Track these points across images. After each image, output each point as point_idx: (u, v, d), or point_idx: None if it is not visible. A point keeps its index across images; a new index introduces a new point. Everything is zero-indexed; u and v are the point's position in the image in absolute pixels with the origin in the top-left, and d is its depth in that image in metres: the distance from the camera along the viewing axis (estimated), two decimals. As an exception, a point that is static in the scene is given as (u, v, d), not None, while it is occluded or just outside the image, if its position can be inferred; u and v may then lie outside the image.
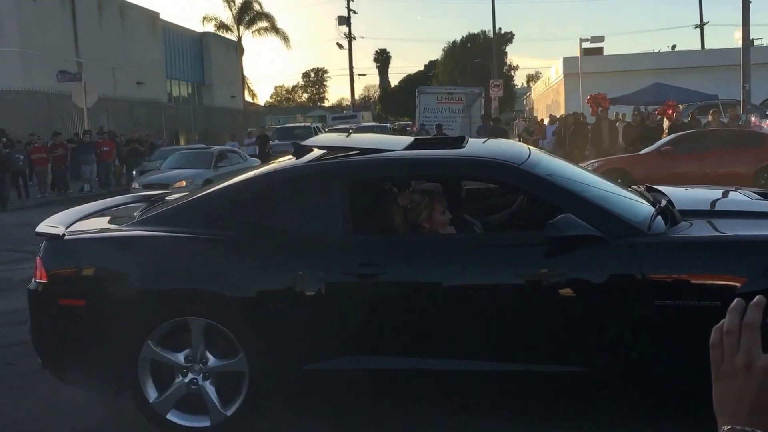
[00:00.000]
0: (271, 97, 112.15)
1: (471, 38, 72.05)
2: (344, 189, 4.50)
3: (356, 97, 74.01)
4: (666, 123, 19.80)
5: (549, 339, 4.20)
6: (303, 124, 43.18)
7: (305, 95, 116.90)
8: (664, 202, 4.71)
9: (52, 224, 4.89)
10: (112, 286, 4.54)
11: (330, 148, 5.06)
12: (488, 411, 4.68)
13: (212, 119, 46.42)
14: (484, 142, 6.00)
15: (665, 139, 15.63)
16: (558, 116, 26.18)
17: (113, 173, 26.15)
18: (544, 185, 4.43)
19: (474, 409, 4.65)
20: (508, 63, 77.63)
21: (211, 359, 4.44)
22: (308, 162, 4.81)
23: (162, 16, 45.45)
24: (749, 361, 1.05)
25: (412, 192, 4.89)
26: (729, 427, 1.04)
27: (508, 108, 63.87)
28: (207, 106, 48.75)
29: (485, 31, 68.97)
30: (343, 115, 61.28)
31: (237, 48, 56.37)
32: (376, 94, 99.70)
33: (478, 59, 59.96)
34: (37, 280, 4.67)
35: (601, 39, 32.71)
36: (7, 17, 31.42)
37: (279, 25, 56.71)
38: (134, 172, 24.63)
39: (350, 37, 63.96)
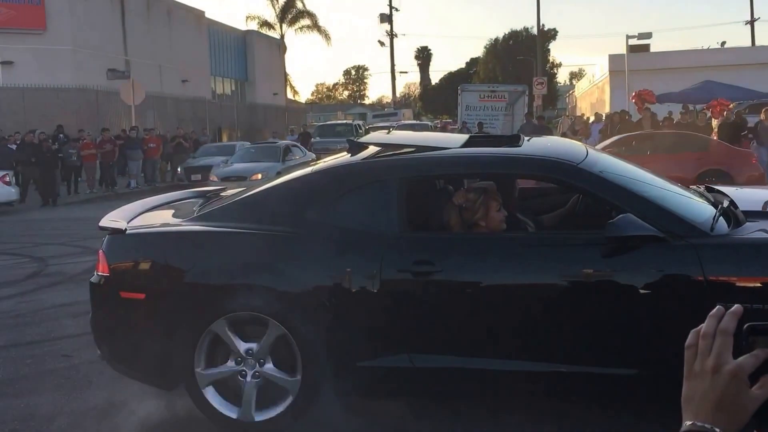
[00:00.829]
0: (312, 94, 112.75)
1: (513, 35, 71.45)
2: (401, 186, 4.51)
3: (397, 94, 73.98)
4: (715, 121, 19.49)
5: (605, 341, 4.16)
6: (344, 121, 43.28)
7: (346, 93, 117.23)
8: (726, 203, 4.64)
9: (115, 218, 4.98)
10: (174, 279, 4.62)
11: (386, 146, 5.07)
12: (539, 413, 4.65)
13: (255, 116, 46.74)
14: (539, 141, 5.95)
15: (611, 139, 15.52)
16: (603, 114, 25.90)
17: (158, 169, 26.51)
18: (604, 184, 4.39)
19: (526, 410, 4.62)
20: (550, 60, 76.98)
21: (269, 365, 4.48)
22: (365, 159, 4.82)
23: (207, 15, 45.91)
24: (718, 365, 1.15)
25: (468, 190, 4.87)
26: (691, 423, 1.13)
27: (550, 106, 63.31)
28: (250, 103, 49.11)
29: (528, 28, 68.40)
30: (384, 113, 61.26)
31: (280, 45, 56.66)
32: (417, 92, 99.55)
33: (520, 57, 59.49)
34: (99, 273, 4.77)
35: (648, 36, 32.25)
36: (61, 16, 32.02)
37: (321, 23, 57.00)
38: (179, 169, 25.02)
39: (392, 35, 64.00)
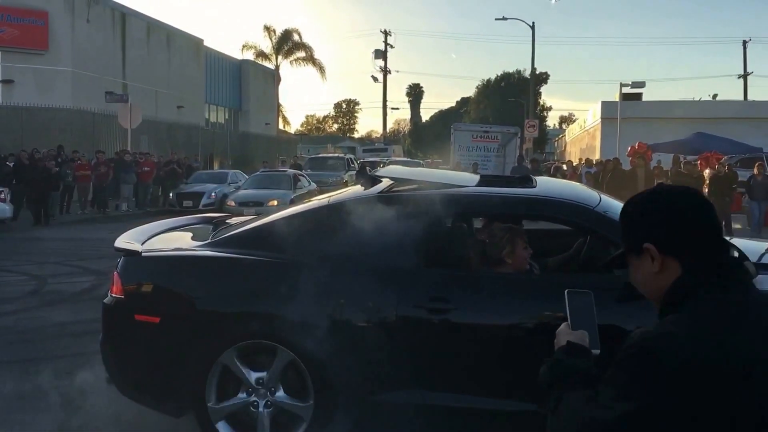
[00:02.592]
0: (302, 125, 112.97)
1: (505, 77, 72.28)
2: (419, 221, 4.55)
3: (387, 130, 74.37)
4: (706, 173, 19.74)
5: None
6: (336, 154, 43.35)
7: (335, 125, 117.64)
8: (736, 254, 4.71)
9: (130, 240, 4.99)
10: (189, 304, 4.62)
11: (405, 181, 5.12)
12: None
13: (246, 145, 46.82)
14: (551, 183, 6.02)
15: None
16: (594, 160, 26.17)
17: (150, 194, 26.48)
18: (617, 228, 4.45)
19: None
20: (541, 103, 77.82)
21: (281, 392, 4.50)
22: (381, 192, 4.86)
23: (205, 43, 46.19)
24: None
25: (495, 227, 4.92)
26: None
27: (539, 149, 63.84)
28: (242, 132, 49.23)
29: (520, 71, 69.25)
30: (374, 148, 61.45)
31: (274, 76, 57.05)
32: (407, 128, 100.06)
33: (511, 98, 60.12)
34: (113, 295, 4.75)
35: (642, 84, 32.63)
36: (63, 38, 32.17)
37: (316, 56, 57.44)
38: (171, 194, 25.01)
39: (386, 71, 64.54)
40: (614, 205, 5.07)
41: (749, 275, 1.93)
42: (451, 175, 5.88)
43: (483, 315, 4.40)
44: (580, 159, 34.31)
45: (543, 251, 5.68)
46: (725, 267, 1.87)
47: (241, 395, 4.52)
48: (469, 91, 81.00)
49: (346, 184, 29.18)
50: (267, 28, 56.42)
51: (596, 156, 35.98)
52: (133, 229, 5.45)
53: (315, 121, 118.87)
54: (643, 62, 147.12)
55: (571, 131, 61.63)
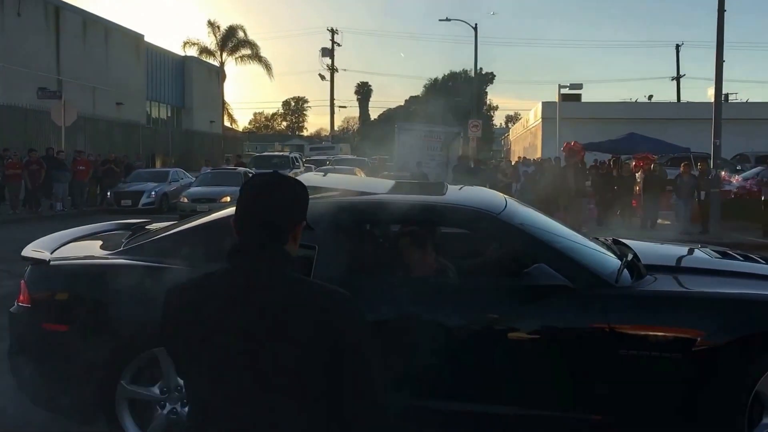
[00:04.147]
0: (249, 123, 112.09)
1: (452, 77, 72.71)
2: (328, 228, 4.55)
3: (335, 128, 74.27)
4: (639, 173, 20.16)
5: (516, 384, 4.31)
6: (281, 153, 43.07)
7: (284, 123, 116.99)
8: (630, 256, 4.88)
9: (38, 249, 4.92)
10: (94, 313, 4.55)
11: (316, 188, 5.10)
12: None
13: (190, 143, 46.33)
14: (462, 189, 6.11)
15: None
16: (532, 159, 26.49)
17: (87, 193, 25.99)
18: (520, 235, 4.63)
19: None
20: (487, 103, 78.43)
21: None
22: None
23: (146, 39, 45.50)
24: None
25: (403, 234, 4.99)
26: None
27: (486, 148, 64.37)
28: (185, 130, 48.68)
29: (467, 70, 69.76)
30: (321, 146, 61.25)
31: (219, 73, 56.51)
32: (356, 127, 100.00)
33: (458, 98, 60.50)
34: (20, 304, 4.70)
35: (579, 86, 33.27)
36: (-9, 31, 31.33)
37: (262, 53, 57.10)
38: (108, 194, 24.60)
39: (333, 69, 64.37)
40: (521, 211, 5.22)
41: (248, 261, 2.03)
42: (367, 182, 5.91)
43: (389, 318, 4.41)
44: (519, 157, 34.73)
45: (466, 253, 5.74)
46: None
47: (157, 413, 4.51)
48: (417, 90, 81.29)
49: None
50: (211, 24, 55.92)
51: (538, 155, 36.45)
52: (44, 237, 5.35)
53: (263, 119, 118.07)
54: (583, 64, 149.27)
55: (515, 130, 62.36)
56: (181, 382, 4.40)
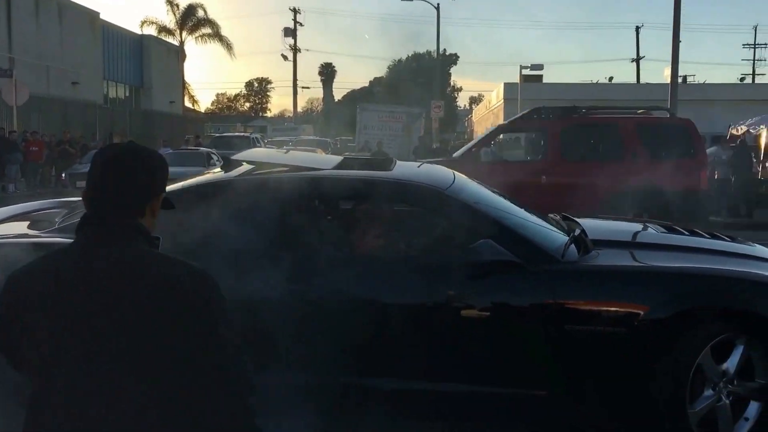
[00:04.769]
0: (212, 104, 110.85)
1: (416, 58, 72.53)
2: (272, 204, 4.56)
3: (299, 109, 73.78)
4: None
5: (463, 361, 4.34)
6: (241, 134, 42.66)
7: (247, 104, 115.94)
8: (578, 231, 4.87)
9: None
10: None
11: (260, 164, 5.13)
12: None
13: (150, 124, 45.64)
14: (410, 165, 6.05)
15: None
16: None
17: (41, 174, 25.52)
18: (467, 211, 4.63)
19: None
20: (451, 84, 78.48)
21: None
22: (238, 176, 4.84)
23: (102, 16, 44.58)
24: None
25: (345, 211, 5.01)
26: None
27: (450, 129, 64.45)
28: (144, 110, 47.92)
29: (430, 52, 69.57)
30: (284, 127, 60.95)
31: (178, 53, 55.66)
32: (320, 108, 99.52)
33: (422, 79, 60.40)
34: None
35: (540, 67, 33.44)
36: (-63, 8, 30.43)
37: (223, 32, 56.34)
38: (63, 175, 24.16)
39: (295, 50, 63.83)
40: (469, 187, 5.17)
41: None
42: (314, 158, 5.86)
43: (337, 295, 4.40)
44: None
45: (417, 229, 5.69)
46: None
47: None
48: (382, 71, 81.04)
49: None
50: (170, 2, 54.83)
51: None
52: None
53: (226, 100, 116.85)
54: (546, 45, 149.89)
55: (478, 112, 62.48)
56: None
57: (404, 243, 5.31)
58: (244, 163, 5.15)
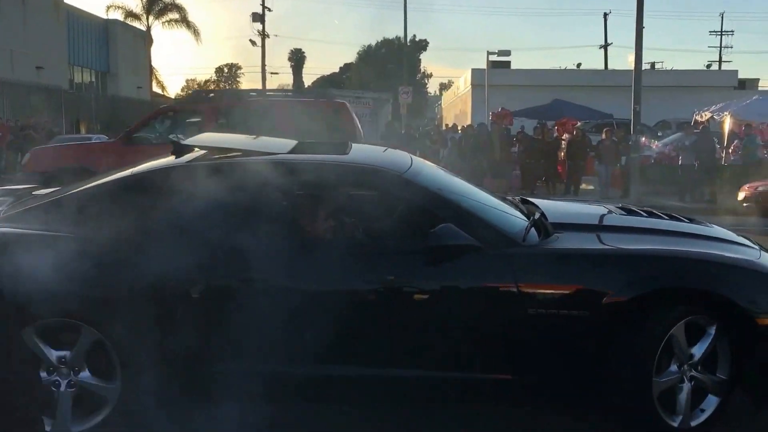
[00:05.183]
0: (182, 90, 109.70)
1: (386, 43, 72.36)
2: (223, 190, 4.43)
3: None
4: (566, 137, 20.46)
5: (426, 345, 4.29)
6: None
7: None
8: (537, 215, 4.89)
9: None
10: None
11: (212, 149, 5.00)
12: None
13: (116, 109, 45.06)
14: (366, 149, 5.99)
15: None
16: (460, 127, 26.65)
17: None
18: (426, 194, 4.57)
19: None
20: (422, 70, 78.45)
21: (85, 373, 4.28)
22: (188, 162, 4.76)
23: (67, 1, 43.89)
24: None
25: (297, 197, 4.87)
26: None
27: (419, 115, 64.46)
28: (111, 96, 47.32)
29: (400, 37, 69.33)
30: (253, 113, 60.43)
31: (145, 38, 55.00)
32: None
33: (391, 65, 60.31)
34: None
35: (507, 53, 33.43)
36: None
37: (192, 18, 55.76)
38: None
39: (264, 35, 63.28)
40: (427, 171, 5.11)
41: None
42: (267, 142, 5.74)
43: (291, 282, 4.32)
44: (446, 125, 34.91)
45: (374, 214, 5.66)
46: None
47: (41, 374, 4.23)
48: (352, 57, 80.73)
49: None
50: (136, -13, 54.13)
51: (468, 121, 36.65)
52: None
53: (196, 86, 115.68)
54: (515, 31, 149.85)
55: (447, 98, 62.47)
56: (65, 352, 4.21)
57: (362, 228, 5.29)
58: (196, 149, 5.06)
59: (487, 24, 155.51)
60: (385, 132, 24.20)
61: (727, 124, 21.11)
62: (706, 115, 22.52)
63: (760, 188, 15.73)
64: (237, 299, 4.24)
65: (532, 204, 5.46)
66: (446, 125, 34.88)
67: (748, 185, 15.82)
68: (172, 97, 74.14)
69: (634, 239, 4.82)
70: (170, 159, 4.91)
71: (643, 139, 20.77)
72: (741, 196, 15.29)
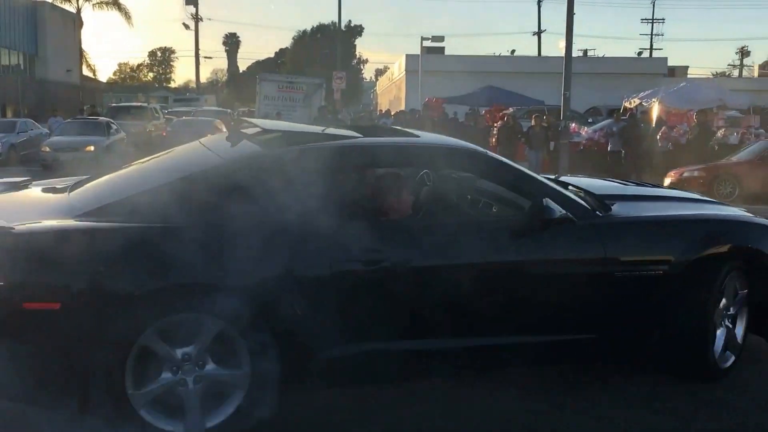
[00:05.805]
0: (114, 74, 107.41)
1: (321, 28, 71.98)
2: (329, 175, 4.41)
3: (204, 80, 72.20)
4: (498, 124, 20.61)
5: (529, 312, 4.57)
6: (139, 104, 41.41)
7: (151, 75, 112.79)
8: (588, 191, 5.40)
9: None
10: (95, 283, 3.82)
11: (292, 134, 4.89)
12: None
13: (45, 93, 43.85)
14: (430, 134, 6.06)
15: None
16: (393, 113, 26.65)
17: None
18: (515, 172, 4.84)
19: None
20: (357, 56, 78.25)
21: (210, 365, 4.05)
22: (301, 147, 4.57)
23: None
24: None
25: (381, 177, 4.96)
26: None
27: (354, 101, 64.30)
28: (40, 79, 46.01)
29: (335, 22, 69.07)
30: (186, 98, 59.67)
31: (75, 20, 53.63)
32: (224, 78, 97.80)
33: (326, 50, 59.98)
34: None
35: (441, 39, 33.60)
36: None
37: (123, 0, 54.46)
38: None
39: (197, 18, 62.28)
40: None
41: None
42: (330, 128, 5.67)
43: (414, 261, 4.36)
44: (380, 110, 34.89)
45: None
46: None
47: (165, 375, 3.97)
48: (287, 42, 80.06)
49: (150, 134, 28.11)
50: (64, -32, 52.66)
51: (402, 107, 36.69)
52: None
53: (129, 70, 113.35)
54: (451, 17, 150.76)
55: (382, 84, 62.45)
56: (188, 348, 3.97)
57: (467, 206, 5.46)
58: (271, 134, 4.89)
59: (422, 9, 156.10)
60: (318, 117, 24.01)
61: (655, 110, 21.52)
62: (634, 102, 22.92)
63: (686, 174, 16.14)
64: (364, 280, 4.24)
65: (566, 182, 5.76)
66: (380, 110, 34.86)
67: (674, 171, 16.19)
68: (103, 81, 72.68)
69: (666, 206, 5.54)
70: (276, 145, 4.70)
71: (573, 125, 21.05)
72: (667, 181, 15.64)
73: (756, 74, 59.60)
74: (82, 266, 3.80)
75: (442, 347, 4.44)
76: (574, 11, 18.30)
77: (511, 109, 22.78)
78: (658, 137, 20.08)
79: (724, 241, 4.98)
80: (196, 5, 61.60)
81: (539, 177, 4.97)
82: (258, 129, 5.09)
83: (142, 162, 5.31)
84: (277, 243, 4.13)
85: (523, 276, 4.56)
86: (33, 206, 4.82)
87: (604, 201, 5.10)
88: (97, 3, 54.00)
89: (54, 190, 5.13)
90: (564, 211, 4.57)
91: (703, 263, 4.82)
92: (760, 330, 5.35)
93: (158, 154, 5.48)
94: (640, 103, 22.59)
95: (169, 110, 42.18)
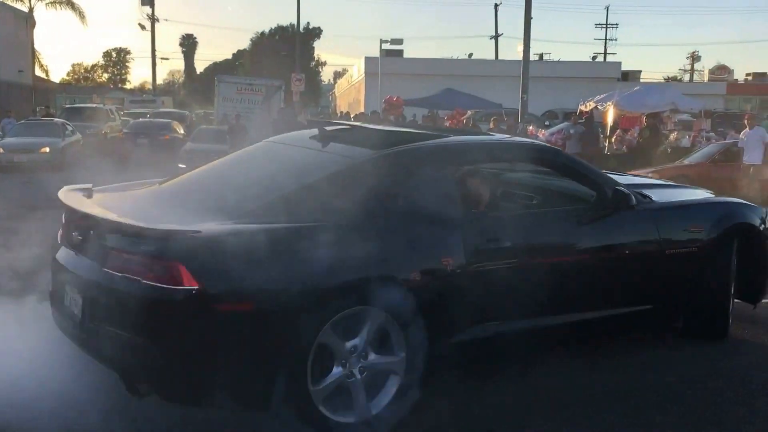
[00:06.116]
0: (68, 75, 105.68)
1: (280, 30, 71.66)
2: (448, 172, 4.82)
3: (160, 81, 71.45)
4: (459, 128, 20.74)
5: (614, 289, 5.29)
6: (94, 105, 40.85)
7: (106, 75, 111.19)
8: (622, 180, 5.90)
9: (168, 220, 4.13)
10: (281, 284, 3.94)
11: (405, 133, 5.33)
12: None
13: (-5, 93, 42.96)
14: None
15: None
16: (353, 115, 26.65)
17: None
18: (585, 167, 5.51)
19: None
20: (316, 58, 78.07)
21: (372, 355, 4.27)
22: (434, 143, 5.07)
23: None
24: None
25: (471, 174, 5.40)
26: None
27: (313, 103, 64.13)
28: (-11, 79, 45.06)
29: (294, 24, 68.90)
30: (142, 99, 59.00)
31: (27, 19, 52.66)
32: (181, 80, 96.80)
33: (284, 52, 59.74)
34: (182, 287, 3.80)
35: (400, 41, 33.74)
36: None
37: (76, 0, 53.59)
38: None
39: (153, 19, 61.57)
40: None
41: None
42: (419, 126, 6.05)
43: (537, 248, 4.93)
44: (340, 112, 34.88)
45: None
46: None
47: (337, 369, 4.13)
48: (245, 44, 79.60)
49: (105, 135, 27.72)
50: (16, -34, 51.66)
51: (361, 109, 36.74)
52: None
53: (83, 71, 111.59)
54: (409, 20, 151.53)
55: (341, 86, 62.50)
56: (354, 341, 4.16)
57: (554, 199, 5.91)
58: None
59: (381, 12, 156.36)
60: (277, 119, 23.89)
61: (610, 114, 21.85)
62: (590, 105, 23.24)
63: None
64: (494, 268, 4.63)
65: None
66: (340, 112, 34.85)
67: (630, 173, 16.42)
68: (57, 81, 71.47)
69: (678, 193, 6.39)
70: (402, 142, 4.93)
71: (531, 127, 21.27)
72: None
73: (706, 79, 60.78)
74: (271, 267, 3.94)
75: (551, 324, 4.97)
76: (531, 15, 18.54)
77: (469, 112, 22.92)
78: (612, 140, 20.42)
79: (734, 218, 5.91)
80: (152, 6, 60.92)
81: (604, 172, 5.72)
82: (343, 128, 5.57)
83: (225, 163, 5.54)
84: (423, 236, 4.49)
85: (608, 258, 5.25)
86: (169, 208, 4.67)
87: (641, 190, 5.70)
88: (51, 2, 53.05)
89: (164, 191, 5.17)
90: (633, 199, 5.27)
91: (722, 238, 5.73)
92: (745, 296, 6.26)
93: (231, 156, 5.85)
94: (596, 107, 22.91)
95: (126, 112, 41.67)
